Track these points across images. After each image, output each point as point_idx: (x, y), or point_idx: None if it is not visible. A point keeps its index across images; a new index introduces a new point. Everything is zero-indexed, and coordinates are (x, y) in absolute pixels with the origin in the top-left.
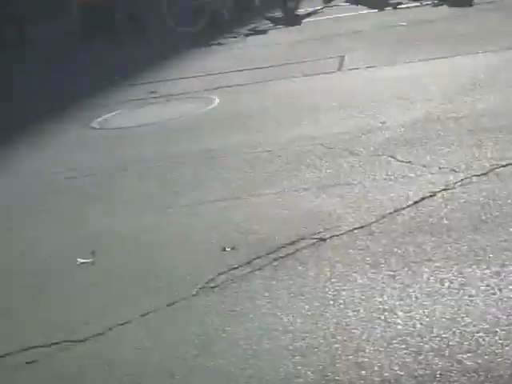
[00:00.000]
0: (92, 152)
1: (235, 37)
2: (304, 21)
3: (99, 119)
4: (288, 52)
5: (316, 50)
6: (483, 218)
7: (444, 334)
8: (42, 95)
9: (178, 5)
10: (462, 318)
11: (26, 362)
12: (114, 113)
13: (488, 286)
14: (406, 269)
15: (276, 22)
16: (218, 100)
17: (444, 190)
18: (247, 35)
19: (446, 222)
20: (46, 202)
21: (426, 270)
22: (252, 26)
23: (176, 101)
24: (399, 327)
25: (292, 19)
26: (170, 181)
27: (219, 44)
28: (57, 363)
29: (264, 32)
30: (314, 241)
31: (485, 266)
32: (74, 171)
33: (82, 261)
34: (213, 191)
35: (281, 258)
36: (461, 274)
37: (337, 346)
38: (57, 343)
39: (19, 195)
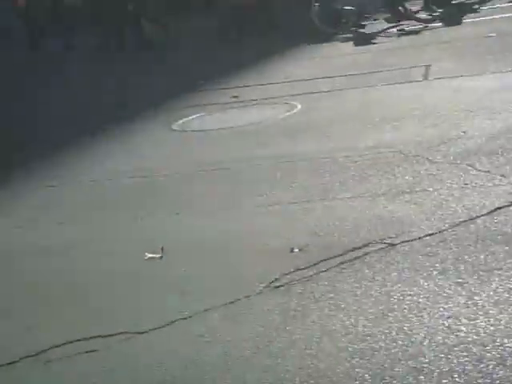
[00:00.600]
0: (170, 153)
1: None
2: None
3: (180, 121)
4: (375, 59)
5: (403, 58)
6: None
7: (508, 343)
8: (127, 95)
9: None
10: None
11: (86, 352)
12: (195, 116)
13: None
14: (474, 277)
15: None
16: (299, 106)
17: None
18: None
19: None
20: (117, 199)
21: (496, 278)
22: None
23: (257, 106)
24: (462, 334)
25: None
26: (245, 182)
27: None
28: (114, 354)
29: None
30: (384, 245)
31: None
32: (151, 171)
33: (150, 255)
34: (286, 194)
35: (348, 261)
36: None
37: (397, 350)
38: (117, 334)
39: (97, 193)
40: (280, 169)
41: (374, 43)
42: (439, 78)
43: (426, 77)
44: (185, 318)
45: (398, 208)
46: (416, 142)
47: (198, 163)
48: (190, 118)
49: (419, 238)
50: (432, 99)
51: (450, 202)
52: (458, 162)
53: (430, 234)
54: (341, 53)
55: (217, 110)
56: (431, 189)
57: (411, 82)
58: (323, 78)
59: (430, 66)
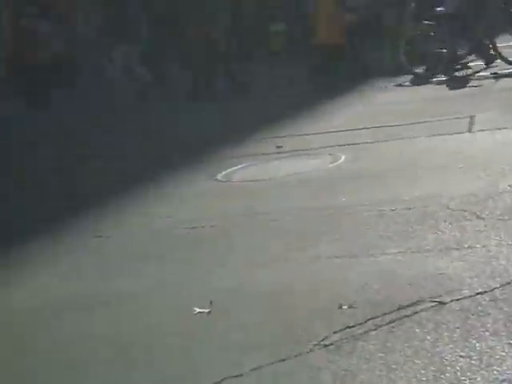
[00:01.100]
0: (217, 203)
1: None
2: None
3: (225, 172)
4: (418, 109)
5: (446, 108)
6: None
7: None
8: (172, 144)
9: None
10: None
11: None
12: (240, 166)
13: None
14: None
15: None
16: (343, 157)
17: None
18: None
19: None
20: (164, 251)
21: None
22: None
23: (301, 156)
24: None
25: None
26: (291, 234)
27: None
28: None
29: None
30: (434, 304)
31: None
32: (194, 221)
33: (199, 310)
34: (332, 247)
35: (398, 319)
36: None
37: None
38: None
39: (144, 244)
40: (325, 221)
41: (465, 87)
42: (484, 130)
43: (469, 128)
44: (235, 376)
45: (447, 264)
46: (462, 196)
47: (244, 214)
48: (234, 168)
49: (469, 296)
50: (477, 151)
51: (499, 260)
52: (506, 217)
53: (480, 293)
54: (408, 99)
55: (261, 160)
56: (479, 245)
57: (455, 133)
58: (371, 127)
59: (474, 116)
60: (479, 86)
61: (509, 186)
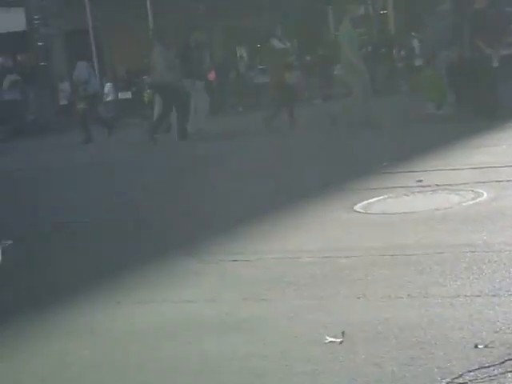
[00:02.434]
0: (352, 235)
1: None
2: None
3: (363, 203)
4: None
5: None
6: None
7: None
8: (308, 173)
9: None
10: None
11: None
12: (378, 198)
13: None
14: None
15: None
16: (485, 194)
17: None
18: None
19: None
20: (298, 278)
21: None
22: None
23: (442, 191)
24: None
25: None
26: (428, 271)
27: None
28: None
29: None
30: None
31: None
32: (332, 252)
33: (331, 339)
34: (471, 286)
35: None
36: None
37: None
38: None
39: (278, 271)
40: (464, 259)
41: None
42: None
43: None
44: None
45: None
46: None
47: (380, 247)
48: (373, 200)
49: None
50: None
51: None
52: None
53: None
54: None
55: (400, 193)
56: None
57: None
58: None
59: None
60: None
61: None
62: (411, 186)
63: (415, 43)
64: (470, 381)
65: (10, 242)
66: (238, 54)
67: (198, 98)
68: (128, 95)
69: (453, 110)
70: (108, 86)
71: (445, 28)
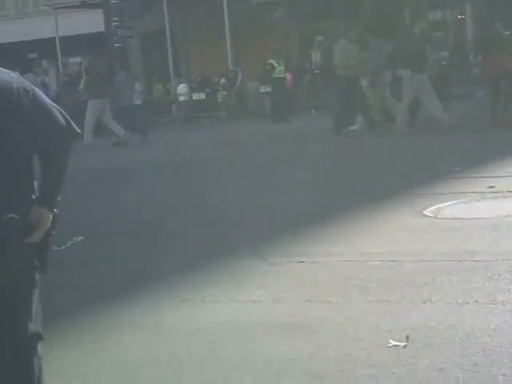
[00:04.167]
0: (421, 239)
1: None
2: None
3: (433, 207)
4: None
5: None
6: None
7: None
8: (376, 178)
9: None
10: None
11: None
12: (449, 203)
13: None
14: None
15: None
16: None
17: None
18: None
19: None
20: (364, 282)
21: None
22: None
23: None
24: None
25: None
26: (495, 277)
27: None
28: None
29: None
30: None
31: None
32: (399, 256)
33: (395, 343)
34: None
35: None
36: None
37: None
38: None
39: (345, 273)
40: None
41: None
42: None
43: None
44: None
45: None
46: None
47: (448, 252)
48: (444, 204)
49: None
50: None
51: None
52: None
53: None
54: None
55: (471, 198)
56: None
57: None
58: None
59: None
60: None
61: None
62: (483, 192)
63: None
64: None
65: (81, 238)
66: (313, 58)
67: None
68: (202, 96)
69: None
70: (182, 87)
71: None
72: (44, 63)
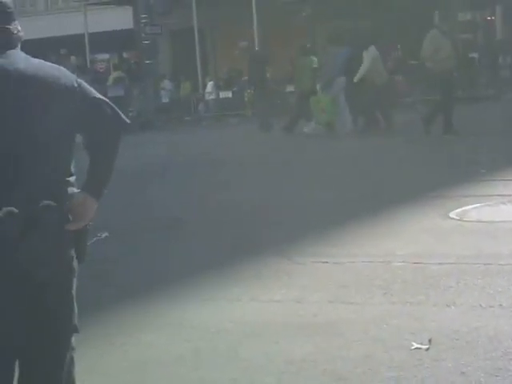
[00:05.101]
0: (446, 241)
1: None
2: None
3: (459, 210)
4: None
5: None
6: None
7: None
8: (399, 178)
9: None
10: None
11: None
12: (475, 205)
13: None
14: None
15: None
16: None
17: None
18: None
19: None
20: (388, 283)
21: None
22: None
23: None
24: None
25: None
26: None
27: None
28: None
29: None
30: None
31: None
32: (424, 258)
33: (417, 346)
34: None
35: None
36: None
37: None
38: None
39: (368, 274)
40: None
41: None
42: None
43: None
44: None
45: None
46: None
47: (473, 255)
48: (469, 207)
49: None
50: None
51: None
52: None
53: None
54: None
55: (498, 201)
56: None
57: None
58: None
59: None
60: None
61: None
62: (509, 195)
63: None
64: None
65: (105, 234)
66: None
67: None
68: (229, 94)
69: None
70: (210, 85)
71: None
72: (73, 59)
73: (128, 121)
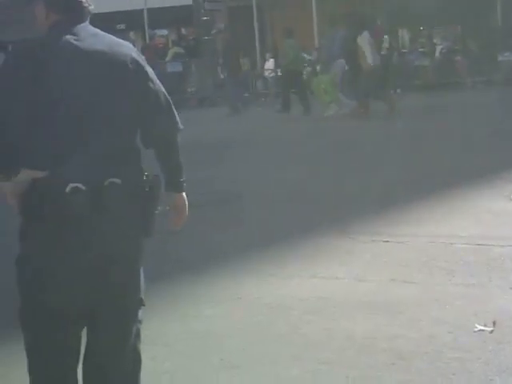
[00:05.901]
0: (507, 224)
1: None
2: None
3: None
4: None
5: None
6: None
7: None
8: (462, 160)
9: None
10: None
11: None
12: None
13: None
14: None
15: None
16: None
17: None
18: None
19: None
20: (451, 265)
21: None
22: None
23: None
24: None
25: None
26: None
27: None
28: None
29: None
30: None
31: None
32: (487, 240)
33: (481, 327)
34: None
35: None
36: None
37: None
38: None
39: (430, 254)
40: None
41: None
42: None
43: None
44: None
45: None
46: None
47: None
48: None
49: None
50: None
51: None
52: None
53: None
54: None
55: None
56: None
57: None
58: None
59: None
60: None
61: None
62: None
63: None
64: None
65: (167, 207)
66: (400, 37)
67: None
68: None
69: None
70: (271, 62)
71: None
72: (131, 35)
73: (182, 126)
